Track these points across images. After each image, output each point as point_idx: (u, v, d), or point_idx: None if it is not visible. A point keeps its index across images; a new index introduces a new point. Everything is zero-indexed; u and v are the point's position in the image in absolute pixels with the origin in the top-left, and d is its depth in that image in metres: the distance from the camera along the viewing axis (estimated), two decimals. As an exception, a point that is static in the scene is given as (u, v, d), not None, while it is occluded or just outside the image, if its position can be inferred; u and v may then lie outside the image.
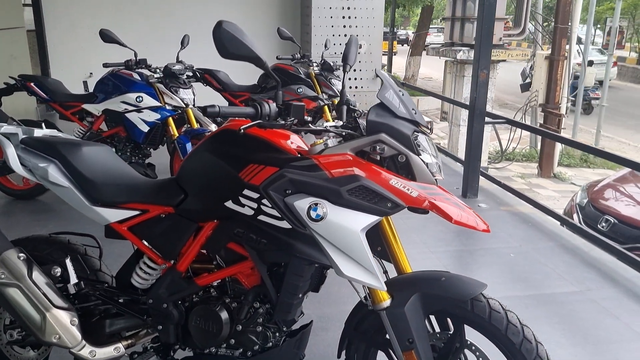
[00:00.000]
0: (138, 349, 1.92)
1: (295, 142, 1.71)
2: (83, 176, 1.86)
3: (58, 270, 1.87)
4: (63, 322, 1.79)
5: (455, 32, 8.59)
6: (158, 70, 4.15)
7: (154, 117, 4.09)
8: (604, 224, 4.59)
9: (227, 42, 1.48)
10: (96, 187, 1.86)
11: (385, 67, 19.11)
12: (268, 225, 1.66)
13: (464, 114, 8.47)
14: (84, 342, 1.82)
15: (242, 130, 1.61)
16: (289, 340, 1.83)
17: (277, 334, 1.82)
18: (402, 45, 36.45)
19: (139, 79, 4.11)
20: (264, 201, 1.64)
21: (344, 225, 1.57)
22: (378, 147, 1.63)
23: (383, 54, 24.13)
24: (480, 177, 5.04)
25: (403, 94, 1.72)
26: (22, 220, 4.03)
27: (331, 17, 7.65)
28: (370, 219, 1.59)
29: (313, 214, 1.58)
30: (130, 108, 4.07)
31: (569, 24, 8.60)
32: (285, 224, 1.63)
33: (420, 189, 1.61)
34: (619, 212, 4.62)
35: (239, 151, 1.69)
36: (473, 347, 1.73)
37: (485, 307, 1.63)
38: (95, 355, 1.82)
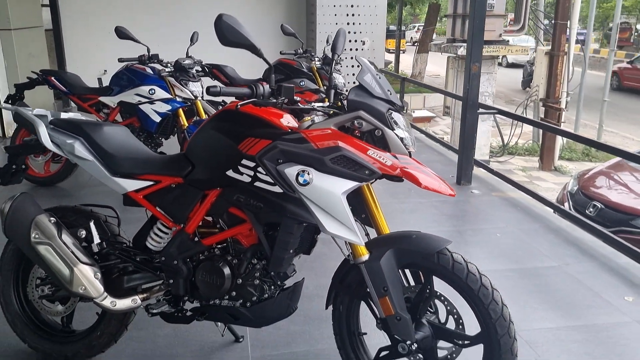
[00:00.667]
0: (152, 301, 2.20)
1: (286, 119, 1.98)
2: (104, 151, 2.15)
3: (83, 233, 2.17)
4: (88, 276, 2.08)
5: (457, 29, 8.82)
6: (169, 65, 4.44)
7: (165, 108, 4.38)
8: (591, 209, 4.82)
9: (227, 32, 1.76)
10: (115, 161, 2.14)
11: (392, 64, 19.31)
12: (263, 191, 1.93)
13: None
14: (105, 294, 2.10)
15: (238, 107, 1.88)
16: (283, 292, 2.11)
17: (272, 287, 2.10)
18: (414, 44, 36.54)
19: (152, 72, 4.40)
20: (259, 169, 1.91)
21: (328, 189, 1.84)
22: (357, 123, 1.90)
23: (391, 52, 24.31)
24: (476, 167, 5.30)
25: (380, 77, 1.98)
26: (45, 203, 4.33)
27: (335, 15, 7.92)
28: (350, 184, 1.85)
29: (301, 180, 1.85)
30: (144, 100, 4.36)
31: (569, 20, 8.80)
32: (277, 189, 1.90)
33: (394, 159, 1.87)
34: (606, 198, 4.85)
35: (238, 127, 1.97)
36: (442, 297, 1.98)
37: (449, 259, 1.88)
38: (115, 305, 2.11)
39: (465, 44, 8.49)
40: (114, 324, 2.28)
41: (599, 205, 4.80)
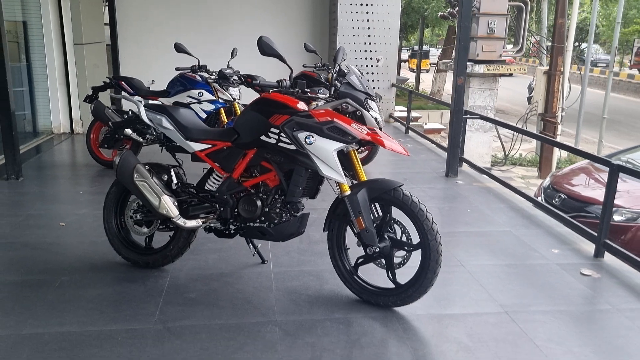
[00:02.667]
0: (208, 224, 3.30)
1: (300, 103, 3.07)
2: (181, 124, 3.28)
3: (165, 177, 3.30)
4: (169, 203, 3.19)
5: (463, 49, 9.87)
6: (214, 74, 5.61)
7: (210, 107, 5.54)
8: (557, 199, 5.79)
9: (264, 47, 2.88)
10: (188, 130, 3.27)
11: (408, 81, 20.36)
12: (283, 149, 3.02)
13: (469, 121, 9.70)
14: (179, 216, 3.22)
15: (270, 91, 2.98)
16: (295, 218, 3.18)
17: (288, 214, 3.18)
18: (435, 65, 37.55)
19: (200, 79, 5.58)
20: (282, 135, 3.01)
21: (325, 147, 2.91)
22: (344, 106, 2.99)
23: (412, 71, 25.20)
24: (465, 165, 6.34)
25: (361, 78, 3.08)
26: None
27: (353, 36, 9.06)
28: (338, 145, 2.92)
29: (308, 141, 2.93)
30: (193, 101, 5.53)
31: (565, 42, 9.78)
32: (293, 147, 2.99)
33: (368, 130, 2.95)
34: (569, 190, 5.82)
35: (269, 108, 3.07)
36: (398, 222, 3.04)
37: (401, 194, 2.93)
38: (185, 224, 3.22)
39: (468, 63, 9.55)
40: (182, 241, 3.39)
41: (563, 196, 5.78)
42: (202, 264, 3.63)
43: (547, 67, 9.96)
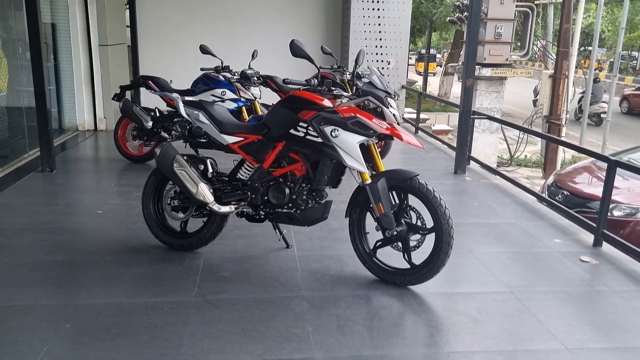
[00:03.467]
0: (240, 210, 3.63)
1: (326, 101, 3.39)
2: (216, 118, 3.61)
3: (202, 167, 3.63)
4: (205, 190, 3.52)
5: (470, 53, 10.19)
6: (236, 74, 5.94)
7: (232, 105, 5.88)
8: (560, 196, 6.10)
9: (296, 48, 3.21)
10: (222, 124, 3.59)
11: (417, 83, 20.68)
12: (311, 141, 3.34)
13: (476, 122, 10.02)
14: (214, 202, 3.55)
15: (300, 88, 3.31)
16: (319, 204, 3.50)
17: (313, 201, 3.50)
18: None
19: (223, 79, 5.92)
20: (309, 129, 3.33)
21: (348, 140, 3.24)
22: (366, 102, 3.32)
23: (419, 74, 25.53)
24: (473, 162, 6.65)
25: (381, 78, 3.41)
26: (140, 175, 5.85)
27: (365, 39, 9.40)
28: (361, 138, 3.24)
29: (333, 134, 3.25)
30: (217, 99, 5.86)
31: (570, 47, 10.08)
32: (319, 140, 3.31)
33: (387, 125, 3.28)
34: (572, 187, 6.13)
35: (297, 104, 3.39)
36: (413, 208, 3.36)
37: (417, 182, 3.25)
38: (220, 209, 3.55)
39: (476, 66, 9.87)
40: (215, 226, 3.72)
41: (566, 192, 6.09)
42: (232, 247, 3.95)
43: (553, 71, 10.26)
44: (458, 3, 10.88)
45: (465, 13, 11.33)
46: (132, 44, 9.43)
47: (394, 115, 3.27)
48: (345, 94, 3.46)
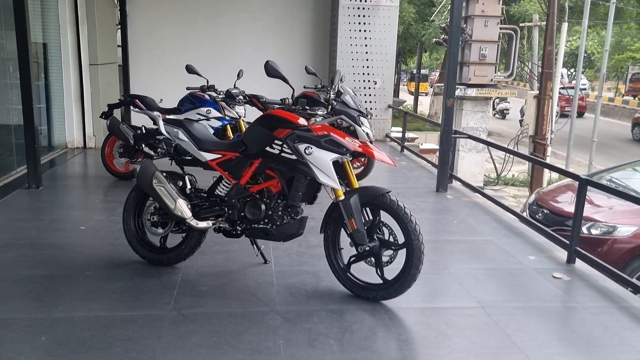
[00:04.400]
0: (218, 225, 3.70)
1: (300, 119, 3.50)
2: (195, 136, 3.70)
3: (180, 183, 3.72)
4: (184, 205, 3.60)
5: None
6: (222, 93, 6.06)
7: (217, 124, 5.98)
8: (540, 214, 6.20)
9: (270, 69, 3.32)
10: (201, 142, 3.69)
11: (406, 103, 20.90)
12: (285, 159, 3.43)
13: (462, 142, 10.17)
14: (192, 217, 3.62)
15: (275, 107, 3.41)
16: (294, 220, 3.58)
17: (289, 217, 3.58)
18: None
19: (209, 98, 6.03)
20: (284, 146, 3.42)
21: (322, 157, 3.33)
22: (339, 121, 3.42)
23: (411, 94, 25.79)
24: (456, 180, 6.76)
25: (354, 96, 3.51)
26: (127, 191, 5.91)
27: (352, 59, 9.57)
28: (334, 155, 3.34)
29: (307, 151, 3.35)
30: (202, 117, 5.96)
31: (554, 68, 10.29)
32: (294, 157, 3.40)
33: (360, 143, 3.38)
34: (551, 206, 6.24)
35: (273, 122, 3.49)
36: (386, 224, 3.44)
37: (388, 199, 3.34)
38: (197, 225, 3.62)
39: (461, 86, 10.05)
40: (193, 241, 3.79)
41: (546, 211, 6.19)
42: (211, 262, 4.02)
43: (537, 92, 10.45)
44: (444, 25, 11.09)
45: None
46: (123, 63, 9.57)
47: (367, 134, 3.36)
48: (319, 112, 3.56)
